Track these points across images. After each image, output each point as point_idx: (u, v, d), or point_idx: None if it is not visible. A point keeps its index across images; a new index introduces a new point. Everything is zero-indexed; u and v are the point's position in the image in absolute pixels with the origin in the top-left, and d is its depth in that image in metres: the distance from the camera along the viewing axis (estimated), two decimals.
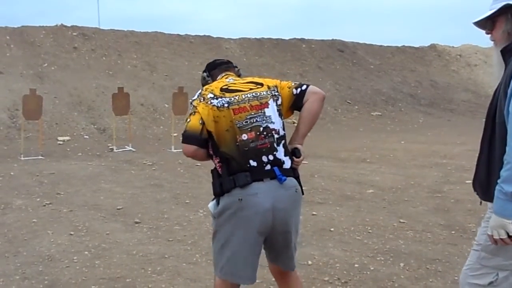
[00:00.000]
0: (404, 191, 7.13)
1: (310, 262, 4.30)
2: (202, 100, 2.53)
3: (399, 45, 26.01)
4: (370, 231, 5.25)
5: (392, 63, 24.18)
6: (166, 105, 15.28)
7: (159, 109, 15.62)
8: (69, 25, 18.70)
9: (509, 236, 2.09)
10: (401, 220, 5.61)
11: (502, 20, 2.21)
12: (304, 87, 2.64)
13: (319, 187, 7.34)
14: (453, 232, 5.24)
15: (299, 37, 23.47)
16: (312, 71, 21.21)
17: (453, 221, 5.65)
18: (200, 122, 2.47)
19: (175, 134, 12.05)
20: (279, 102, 2.62)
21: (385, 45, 25.56)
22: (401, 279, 3.97)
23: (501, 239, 2.11)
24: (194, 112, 2.51)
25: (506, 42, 2.22)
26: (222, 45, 20.45)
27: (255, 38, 22.24)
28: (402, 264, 4.28)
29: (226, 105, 2.49)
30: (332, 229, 5.29)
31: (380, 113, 19.34)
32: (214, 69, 2.79)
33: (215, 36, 21.19)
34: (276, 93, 2.62)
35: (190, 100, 2.61)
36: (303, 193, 2.65)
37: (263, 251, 2.65)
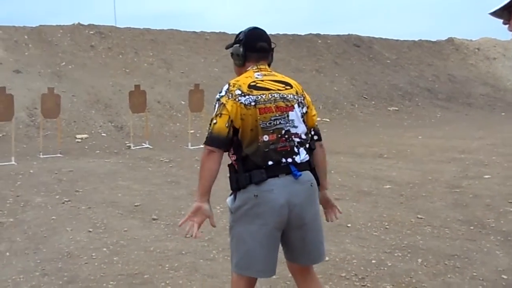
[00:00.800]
0: (421, 186, 7.07)
1: (327, 258, 4.27)
2: (230, 97, 2.46)
3: (416, 39, 25.81)
4: (387, 226, 5.23)
5: (409, 58, 23.99)
6: (183, 102, 15.34)
7: (176, 106, 15.69)
8: (86, 23, 18.88)
9: None
10: (419, 216, 5.57)
11: None
12: (316, 137, 2.70)
13: (336, 183, 7.32)
14: (471, 227, 5.19)
15: (315, 33, 23.40)
16: (328, 66, 21.13)
17: (471, 216, 5.59)
18: (227, 125, 2.42)
19: (191, 131, 12.11)
20: (304, 110, 2.60)
21: (402, 39, 25.40)
22: (419, 275, 3.95)
23: None
24: (221, 113, 2.43)
25: None
26: None
27: (270, 34, 22.09)
28: (420, 260, 4.26)
29: (253, 103, 2.45)
30: (349, 225, 5.27)
31: (397, 108, 19.21)
32: (252, 51, 2.62)
33: (230, 32, 21.21)
34: (303, 101, 2.61)
35: (217, 96, 2.51)
36: (319, 184, 2.64)
37: (280, 247, 2.66)
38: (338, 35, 23.69)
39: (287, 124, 2.50)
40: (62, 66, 16.22)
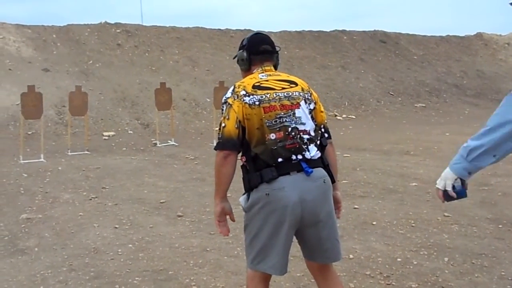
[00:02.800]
0: None
1: (351, 256, 4.27)
2: (236, 98, 2.51)
3: (444, 35, 25.42)
4: (413, 225, 5.17)
5: (436, 53, 23.64)
6: (208, 100, 15.40)
7: (201, 104, 15.76)
8: (112, 22, 19.10)
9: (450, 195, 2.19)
10: (446, 214, 5.49)
11: None
12: (326, 135, 2.69)
13: (361, 180, 7.27)
14: (500, 226, 5.09)
15: (340, 29, 23.24)
16: (354, 63, 20.97)
17: (500, 214, 5.49)
18: (236, 126, 2.47)
19: (217, 128, 12.14)
20: (311, 106, 2.62)
21: (429, 35, 25.05)
22: (445, 274, 3.90)
23: (443, 192, 2.20)
24: (228, 115, 2.49)
25: None
26: None
27: (296, 31, 22.14)
28: (446, 259, 4.20)
29: (257, 103, 2.48)
30: (374, 223, 5.23)
31: (424, 105, 18.96)
32: (256, 54, 2.68)
33: (255, 29, 21.19)
34: (310, 97, 2.63)
35: (224, 98, 2.57)
36: (333, 181, 2.63)
37: (296, 245, 2.67)
38: (363, 31, 23.48)
39: (293, 122, 2.51)
40: (90, 64, 16.44)
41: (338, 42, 22.12)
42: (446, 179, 2.19)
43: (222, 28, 20.82)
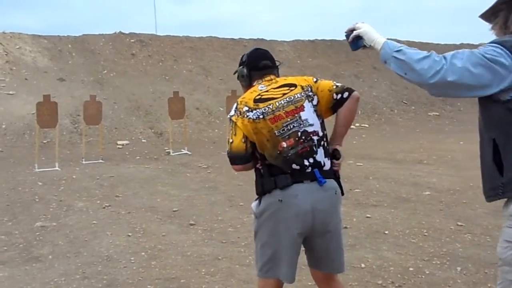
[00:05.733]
0: (462, 193, 6.92)
1: (363, 265, 4.26)
2: (239, 115, 2.54)
3: (457, 43, 25.26)
4: (426, 234, 5.14)
5: None
6: (221, 109, 15.47)
7: (214, 113, 15.83)
8: (127, 32, 19.28)
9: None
10: (459, 223, 5.46)
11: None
12: (346, 94, 2.60)
13: (373, 189, 7.25)
14: None
15: None
16: (367, 71, 20.94)
17: None
18: (243, 140, 2.51)
19: (229, 137, 12.19)
20: (314, 102, 2.58)
21: (442, 43, 24.92)
22: (457, 284, 3.87)
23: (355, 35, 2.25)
24: (235, 131, 2.53)
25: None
26: (276, 48, 20.49)
27: (309, 40, 22.18)
28: (459, 268, 4.17)
29: (261, 116, 2.51)
30: (386, 232, 5.21)
31: (437, 113, 18.87)
32: (256, 70, 2.69)
33: (268, 39, 21.29)
34: (311, 93, 2.59)
35: (229, 116, 2.61)
36: (343, 194, 2.64)
37: (303, 254, 2.67)
38: None
39: (301, 125, 2.52)
40: (104, 74, 16.61)
41: (351, 50, 22.09)
42: (371, 35, 2.24)
43: (235, 38, 20.93)
